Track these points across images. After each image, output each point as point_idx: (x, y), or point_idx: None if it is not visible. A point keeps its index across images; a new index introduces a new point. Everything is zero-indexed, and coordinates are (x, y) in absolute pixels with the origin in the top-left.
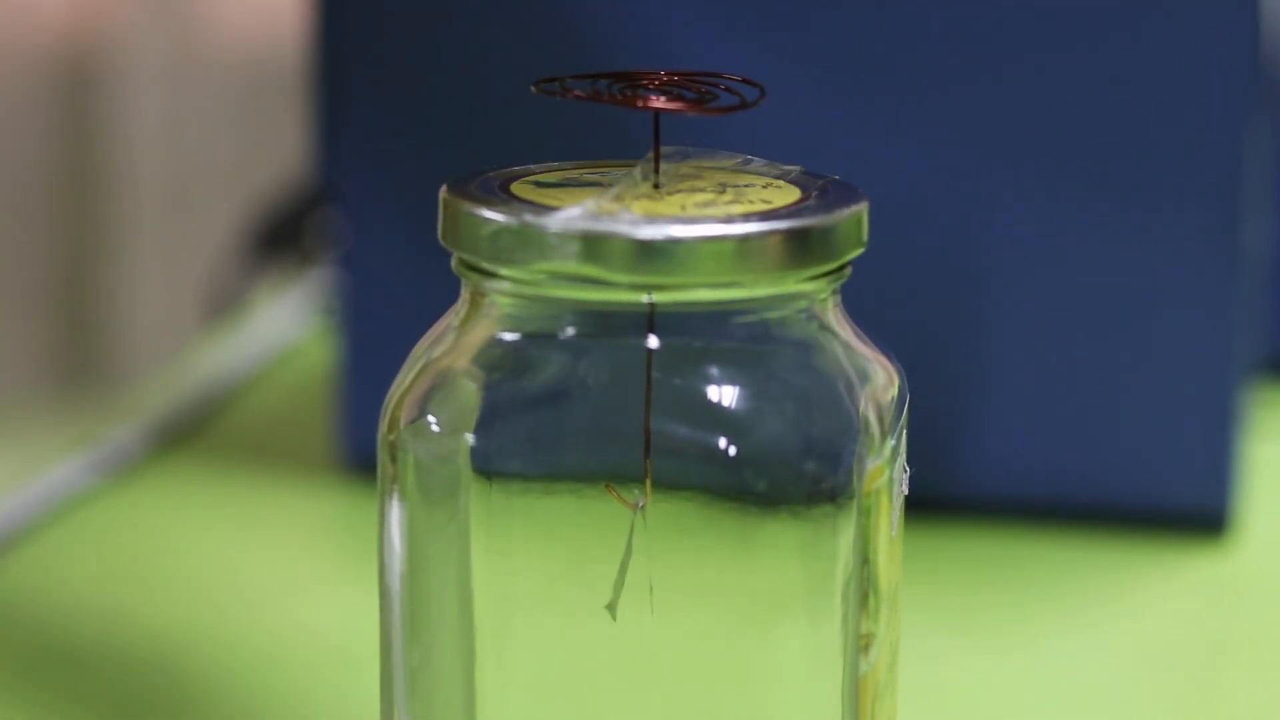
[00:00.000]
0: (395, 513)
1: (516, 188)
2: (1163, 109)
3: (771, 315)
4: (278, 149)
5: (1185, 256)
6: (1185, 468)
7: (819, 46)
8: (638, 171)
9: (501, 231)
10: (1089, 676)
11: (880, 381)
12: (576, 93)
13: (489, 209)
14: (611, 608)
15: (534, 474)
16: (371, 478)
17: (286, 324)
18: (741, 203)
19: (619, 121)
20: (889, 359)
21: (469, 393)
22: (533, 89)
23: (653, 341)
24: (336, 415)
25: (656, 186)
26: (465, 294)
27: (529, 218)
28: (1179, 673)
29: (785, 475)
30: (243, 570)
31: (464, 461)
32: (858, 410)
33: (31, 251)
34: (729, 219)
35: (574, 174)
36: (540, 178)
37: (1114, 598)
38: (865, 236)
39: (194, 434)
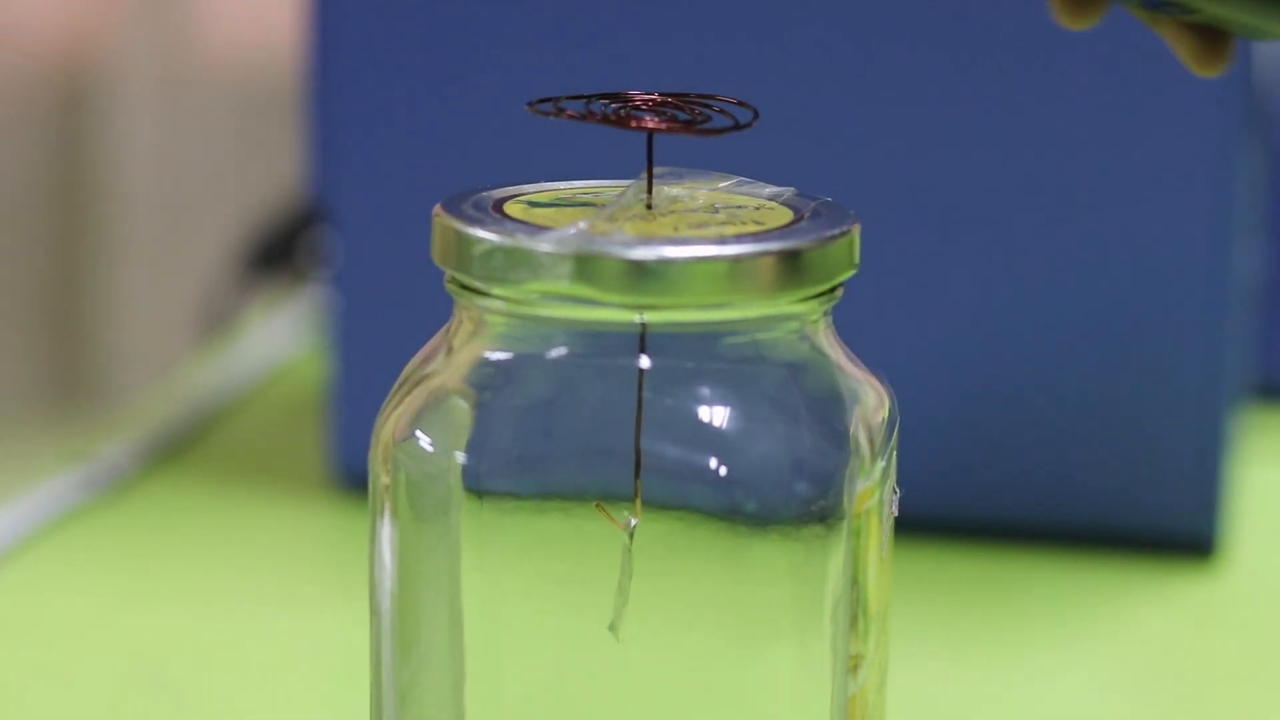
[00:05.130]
0: (386, 530)
1: (509, 207)
2: (1156, 133)
3: (763, 336)
4: (271, 167)
5: (1177, 281)
6: (1175, 491)
7: (812, 67)
8: (631, 192)
9: (494, 251)
10: (1077, 698)
11: (871, 403)
12: (570, 113)
13: (482, 228)
14: (614, 627)
15: (525, 493)
16: (363, 495)
17: (279, 342)
18: (734, 224)
19: (613, 142)
20: (880, 381)
21: (461, 411)
22: (527, 108)
23: (644, 361)
24: (328, 433)
25: (649, 207)
26: (457, 313)
27: (522, 237)
28: (1167, 694)
29: (775, 496)
30: (233, 586)
31: (455, 480)
32: (848, 432)
33: (24, 268)
34: (721, 240)
35: (567, 194)
36: (533, 197)
37: (1103, 620)
38: (857, 258)
39: (186, 451)
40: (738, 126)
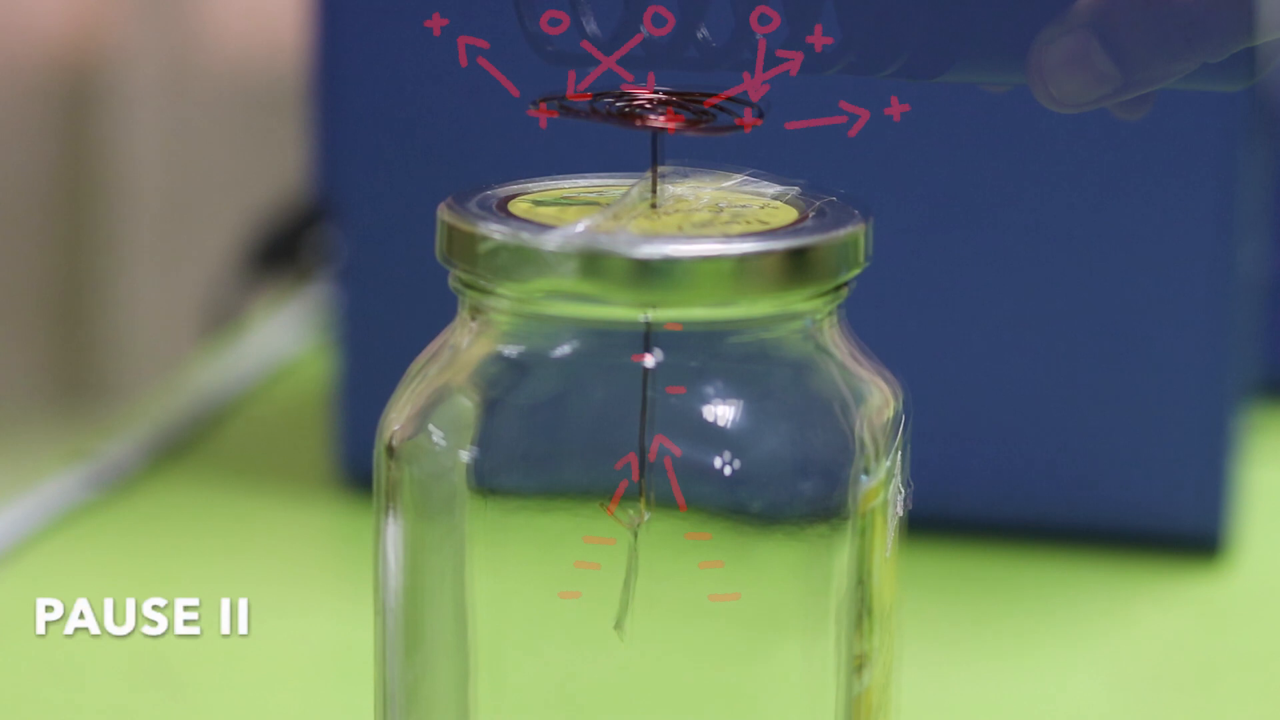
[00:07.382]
0: (392, 528)
1: (515, 205)
2: (1160, 130)
3: (768, 335)
4: (277, 164)
5: (1181, 280)
6: (1181, 490)
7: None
8: (636, 190)
9: (499, 249)
10: (1083, 696)
11: (876, 402)
12: (575, 111)
13: (487, 226)
14: (619, 626)
15: (530, 490)
16: (368, 493)
17: (284, 339)
18: (739, 222)
19: (618, 140)
20: (888, 378)
21: (466, 409)
22: (531, 107)
23: (650, 360)
24: (333, 430)
25: (654, 205)
26: (463, 311)
27: (527, 235)
28: (1173, 693)
29: (781, 494)
30: (239, 584)
31: (461, 478)
32: (854, 431)
33: (30, 265)
34: (726, 238)
35: (572, 192)
36: (538, 195)
37: (1109, 618)
38: (862, 256)
39: (191, 449)
40: (742, 124)
